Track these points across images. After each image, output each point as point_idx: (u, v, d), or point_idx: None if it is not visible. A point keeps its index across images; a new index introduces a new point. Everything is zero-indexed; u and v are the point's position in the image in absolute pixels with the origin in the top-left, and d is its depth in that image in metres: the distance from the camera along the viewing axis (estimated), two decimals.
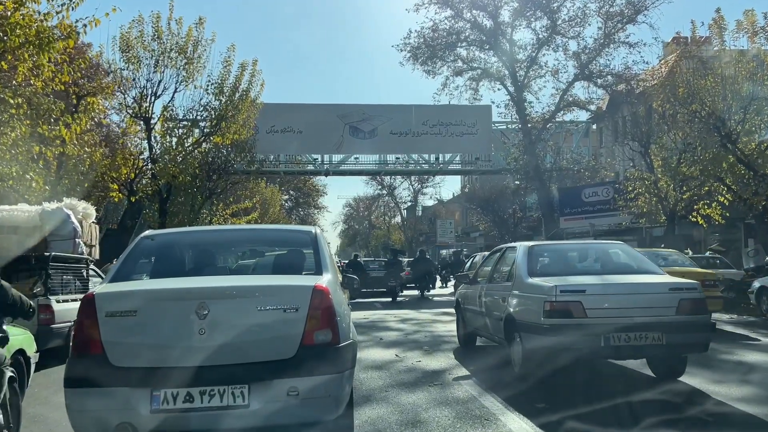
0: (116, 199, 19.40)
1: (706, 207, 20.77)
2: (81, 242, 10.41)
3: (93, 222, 12.00)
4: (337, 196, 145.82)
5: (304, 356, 3.77)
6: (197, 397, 3.67)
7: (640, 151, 22.94)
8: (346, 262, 27.55)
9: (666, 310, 6.18)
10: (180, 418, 3.68)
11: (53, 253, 8.93)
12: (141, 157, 20.82)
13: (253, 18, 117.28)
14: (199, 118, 21.71)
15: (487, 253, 11.55)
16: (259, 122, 25.94)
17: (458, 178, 62.60)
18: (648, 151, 22.38)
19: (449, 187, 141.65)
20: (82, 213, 11.19)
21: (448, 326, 12.35)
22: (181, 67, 20.44)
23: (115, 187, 18.78)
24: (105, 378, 3.69)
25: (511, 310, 6.92)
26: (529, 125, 29.75)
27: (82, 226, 10.69)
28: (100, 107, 14.60)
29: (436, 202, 68.30)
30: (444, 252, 44.25)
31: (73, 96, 14.89)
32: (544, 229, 31.44)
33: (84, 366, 3.77)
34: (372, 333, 11.25)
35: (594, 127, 36.99)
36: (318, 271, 4.48)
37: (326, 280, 4.21)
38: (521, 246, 7.71)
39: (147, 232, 5.22)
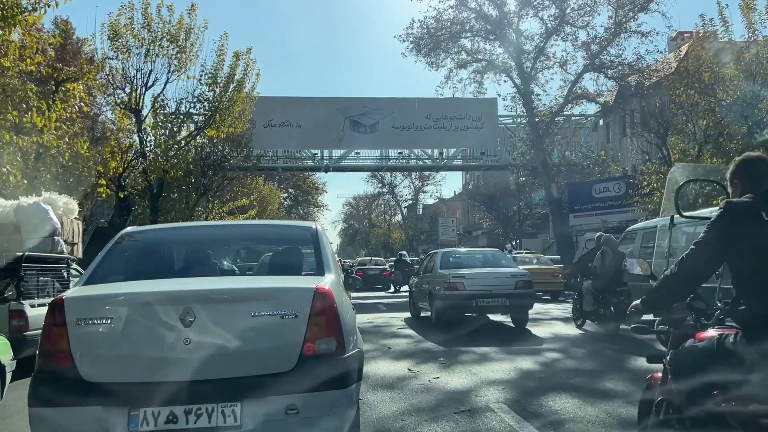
0: (104, 195, 18.29)
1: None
2: (61, 240, 9.59)
3: (75, 218, 11.16)
4: (337, 195, 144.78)
5: (305, 369, 3.33)
6: (182, 416, 3.21)
7: (656, 143, 21.82)
8: (394, 259, 30.65)
9: (509, 286, 11.13)
10: None
11: (27, 253, 7.97)
12: (130, 151, 19.68)
13: (250, 11, 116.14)
14: (192, 110, 20.65)
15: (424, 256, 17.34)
16: (256, 116, 24.91)
17: (459, 176, 61.70)
18: (666, 143, 21.26)
19: (450, 185, 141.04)
20: (63, 208, 10.42)
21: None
22: (173, 57, 19.40)
23: (103, 182, 17.69)
24: (75, 395, 3.24)
25: (430, 287, 12.08)
26: (537, 119, 28.65)
27: (62, 223, 9.92)
28: (82, 94, 13.42)
29: (437, 200, 67.35)
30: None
31: (52, 82, 13.79)
32: (552, 226, 30.33)
33: (51, 381, 3.31)
34: (378, 340, 10.13)
35: (600, 122, 35.90)
36: (319, 271, 4.01)
37: (329, 281, 3.75)
38: (440, 251, 13.61)
39: (128, 229, 4.77)
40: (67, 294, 3.62)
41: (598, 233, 12.71)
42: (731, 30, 16.44)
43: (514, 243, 38.10)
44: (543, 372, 7.12)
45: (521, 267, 13.74)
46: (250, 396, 3.25)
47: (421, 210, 70.85)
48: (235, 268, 5.36)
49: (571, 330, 11.33)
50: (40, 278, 8.24)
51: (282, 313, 3.39)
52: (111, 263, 4.16)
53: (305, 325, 3.38)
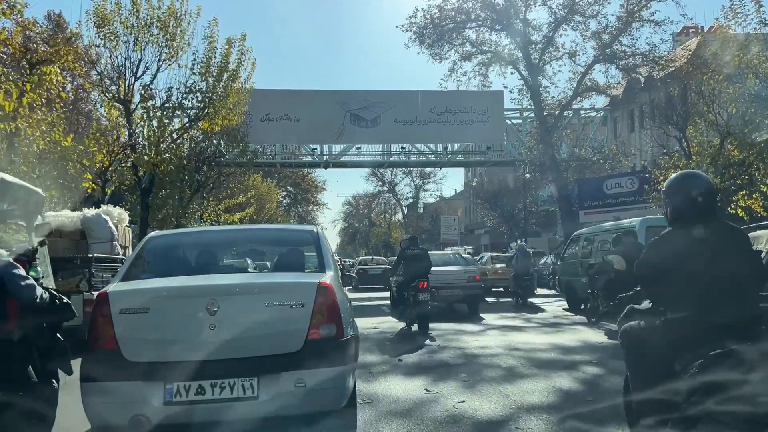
0: (89, 190, 17.13)
1: (746, 198, 18.57)
2: (117, 244, 11.49)
3: (127, 226, 13.00)
4: (337, 194, 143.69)
5: (310, 350, 3.93)
6: (208, 389, 3.79)
7: (675, 135, 20.68)
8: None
9: (463, 280, 14.53)
10: (192, 409, 3.80)
11: (95, 254, 9.97)
12: (117, 143, 18.48)
13: (248, 4, 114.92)
14: (184, 101, 19.43)
15: None
16: (252, 110, 23.69)
17: (461, 174, 60.77)
18: (685, 134, 20.12)
19: (451, 183, 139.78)
20: (117, 218, 12.30)
21: (477, 338, 10.14)
22: (163, 45, 18.25)
23: (89, 176, 16.53)
24: (119, 372, 3.81)
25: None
26: (545, 113, 27.49)
27: (117, 230, 11.73)
28: (59, 77, 12.25)
29: (438, 198, 66.29)
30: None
31: (26, 64, 12.66)
32: (561, 223, 29.18)
33: (99, 361, 3.89)
34: (386, 350, 8.96)
35: (608, 118, 34.77)
36: (321, 268, 4.65)
37: (329, 277, 4.37)
38: None
39: (153, 234, 5.59)
40: (110, 288, 4.15)
41: (519, 242, 22.99)
42: (763, 11, 15.22)
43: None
44: (589, 394, 5.94)
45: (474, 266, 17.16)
46: (265, 372, 3.83)
47: (421, 209, 69.80)
48: (249, 266, 6.38)
49: (599, 336, 10.19)
50: (103, 275, 9.83)
51: (291, 303, 3.98)
52: (141, 263, 4.86)
53: (310, 313, 3.96)
